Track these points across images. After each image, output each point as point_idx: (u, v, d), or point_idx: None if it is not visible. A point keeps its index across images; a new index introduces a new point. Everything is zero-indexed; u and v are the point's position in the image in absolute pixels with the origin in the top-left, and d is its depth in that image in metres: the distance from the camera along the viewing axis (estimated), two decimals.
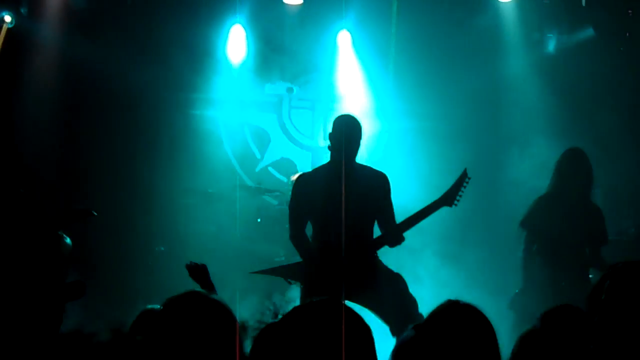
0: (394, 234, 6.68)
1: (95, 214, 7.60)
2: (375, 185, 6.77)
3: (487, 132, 11.14)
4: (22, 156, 9.83)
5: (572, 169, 7.66)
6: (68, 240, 7.02)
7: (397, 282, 6.66)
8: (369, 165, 7.03)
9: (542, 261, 7.66)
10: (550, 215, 7.64)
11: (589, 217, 7.68)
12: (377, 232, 6.86)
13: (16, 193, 6.90)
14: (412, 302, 6.50)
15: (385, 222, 6.77)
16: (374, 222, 6.82)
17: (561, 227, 7.57)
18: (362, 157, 6.99)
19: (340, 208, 6.51)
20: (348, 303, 3.19)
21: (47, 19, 10.35)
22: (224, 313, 3.23)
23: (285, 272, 7.00)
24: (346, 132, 6.71)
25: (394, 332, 6.40)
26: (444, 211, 6.74)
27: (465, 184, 6.67)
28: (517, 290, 7.80)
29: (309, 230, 6.97)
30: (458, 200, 6.67)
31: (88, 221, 7.50)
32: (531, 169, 10.19)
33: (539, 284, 7.50)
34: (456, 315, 3.28)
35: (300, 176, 7.20)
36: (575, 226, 7.57)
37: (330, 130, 6.83)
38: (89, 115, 10.62)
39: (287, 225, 7.07)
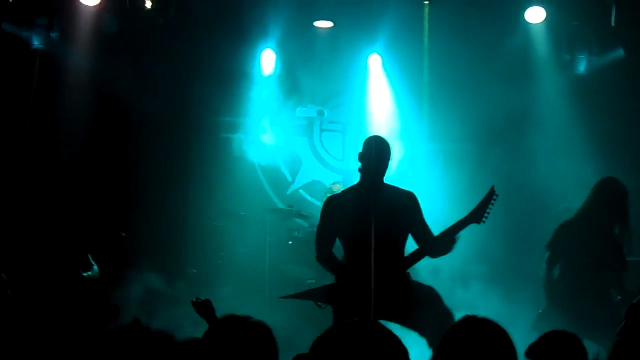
0: (434, 244, 6.69)
1: (124, 235, 7.70)
2: (404, 204, 6.75)
3: (517, 154, 11.09)
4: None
5: (602, 199, 7.69)
6: (95, 268, 7.11)
7: (431, 296, 6.65)
8: (397, 185, 7.03)
9: (564, 285, 7.68)
10: (574, 240, 7.66)
11: (610, 246, 7.69)
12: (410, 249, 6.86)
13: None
14: (447, 315, 6.48)
15: (422, 237, 6.78)
16: (405, 240, 6.81)
17: (584, 253, 7.58)
18: (391, 178, 6.98)
19: (370, 227, 6.53)
20: (384, 323, 3.17)
21: (79, 44, 10.45)
22: (265, 334, 3.26)
23: (316, 296, 6.98)
24: (375, 153, 6.74)
25: (431, 345, 6.40)
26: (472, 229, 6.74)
27: (493, 201, 6.65)
28: (540, 311, 7.78)
29: (339, 252, 6.97)
30: (486, 217, 6.66)
31: (118, 242, 7.61)
32: (562, 191, 10.18)
33: (561, 307, 7.51)
34: (473, 330, 3.28)
35: (329, 198, 7.21)
36: (597, 253, 7.58)
37: (359, 151, 6.87)
38: (122, 138, 10.71)
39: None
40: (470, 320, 3.34)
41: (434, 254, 6.80)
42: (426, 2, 10.90)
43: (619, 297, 7.57)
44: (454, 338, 3.28)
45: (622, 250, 7.72)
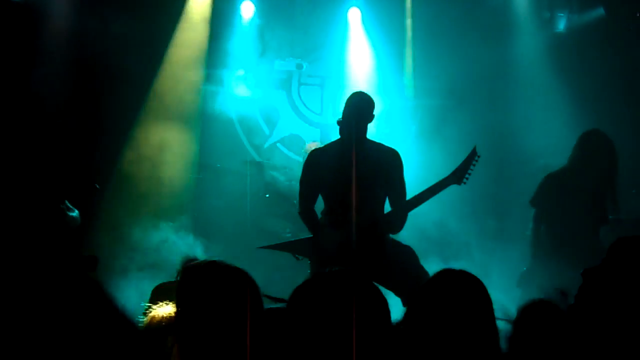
0: (401, 212, 6.69)
1: (98, 187, 7.66)
2: (386, 161, 6.75)
3: (495, 110, 11.13)
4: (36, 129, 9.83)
5: (592, 151, 7.70)
6: (76, 213, 7.08)
7: (407, 255, 6.67)
8: (380, 142, 7.03)
9: (550, 239, 7.71)
10: (559, 194, 7.68)
11: (595, 201, 7.72)
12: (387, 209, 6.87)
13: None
14: (424, 274, 6.50)
15: (396, 199, 6.77)
16: (385, 198, 6.83)
17: (569, 206, 7.61)
18: (371, 134, 6.97)
19: (351, 183, 6.54)
20: None
21: None
22: (245, 279, 3.24)
23: (293, 248, 7.00)
24: (358, 108, 6.72)
25: (405, 304, 6.42)
26: (452, 189, 6.75)
27: (474, 162, 6.65)
28: (524, 268, 7.83)
29: (319, 207, 6.99)
30: (467, 178, 6.66)
31: (92, 194, 7.57)
32: (540, 147, 10.22)
33: (546, 262, 7.53)
34: (449, 280, 3.31)
35: (312, 151, 7.20)
36: (582, 206, 7.61)
37: (341, 106, 6.84)
38: (99, 89, 10.60)
39: (295, 201, 7.10)
40: (446, 272, 3.36)
41: (394, 228, 6.81)
42: None
43: None
44: (431, 288, 3.31)
45: (604, 204, 7.75)
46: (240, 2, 11.17)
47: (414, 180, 7.17)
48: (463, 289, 3.26)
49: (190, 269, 3.23)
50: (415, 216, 6.86)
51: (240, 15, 11.21)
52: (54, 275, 3.03)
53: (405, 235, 6.87)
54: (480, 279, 3.32)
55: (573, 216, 7.61)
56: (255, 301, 3.18)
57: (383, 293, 3.06)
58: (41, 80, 9.99)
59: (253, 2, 11.16)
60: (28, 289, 2.92)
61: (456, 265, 3.46)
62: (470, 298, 3.23)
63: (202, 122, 11.16)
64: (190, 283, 3.18)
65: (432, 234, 9.38)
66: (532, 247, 7.82)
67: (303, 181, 6.97)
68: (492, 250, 9.18)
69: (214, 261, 3.28)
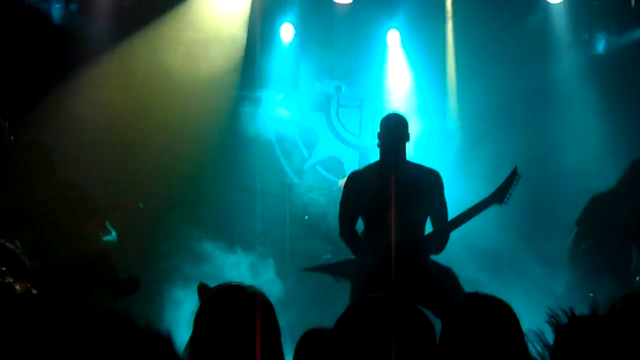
0: (442, 233, 6.69)
1: (142, 205, 7.72)
2: (427, 182, 6.76)
3: (536, 132, 11.09)
4: (73, 152, 9.90)
5: (635, 177, 7.71)
6: (114, 235, 7.13)
7: (447, 276, 6.68)
8: (420, 163, 7.04)
9: (588, 259, 7.69)
10: (603, 215, 7.67)
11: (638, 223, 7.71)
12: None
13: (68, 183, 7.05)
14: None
15: (437, 220, 6.78)
16: (426, 218, 6.83)
17: (610, 228, 7.59)
18: (410, 155, 6.99)
19: (391, 205, 6.56)
20: None
21: (97, 15, 10.42)
22: (264, 303, 3.26)
23: (335, 270, 7.04)
24: (393, 129, 6.75)
25: None
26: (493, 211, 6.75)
27: (515, 182, 6.65)
28: (562, 290, 7.80)
29: (359, 228, 7.01)
30: (508, 198, 6.66)
31: (135, 212, 7.63)
32: (579, 170, 10.17)
33: (584, 285, 7.51)
34: (474, 307, 3.30)
35: (352, 173, 7.23)
36: (624, 229, 7.59)
37: (378, 129, 6.87)
38: (139, 111, 10.68)
39: (335, 223, 7.11)
40: (471, 297, 3.36)
41: (436, 249, 6.81)
42: None
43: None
44: (455, 315, 3.30)
45: None
46: (280, 25, 11.24)
47: (454, 201, 7.17)
48: (488, 315, 3.25)
49: (209, 295, 3.26)
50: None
51: (280, 38, 11.27)
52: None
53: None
54: (514, 300, 3.31)
55: (614, 239, 7.59)
56: (268, 324, 3.20)
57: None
58: (79, 98, 10.11)
59: (292, 25, 11.23)
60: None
61: (492, 284, 3.45)
62: (495, 324, 3.23)
63: (241, 144, 11.20)
64: (207, 309, 3.22)
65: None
66: (570, 268, 7.80)
67: (343, 203, 6.99)
68: (529, 272, 9.15)
69: (230, 285, 3.31)
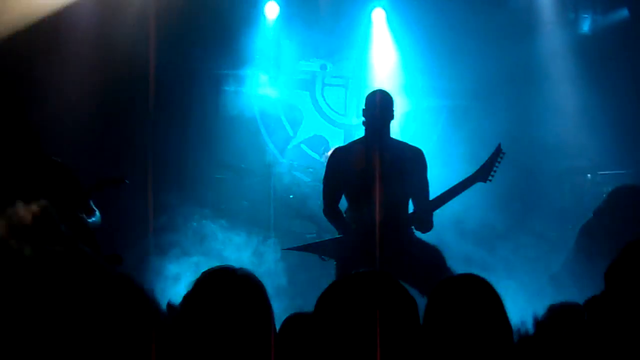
0: (425, 212, 6.67)
1: (127, 181, 7.68)
2: (410, 160, 6.73)
3: (520, 110, 11.09)
4: (54, 132, 9.85)
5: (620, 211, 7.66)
6: (97, 216, 7.09)
7: (434, 255, 6.66)
8: (404, 141, 7.02)
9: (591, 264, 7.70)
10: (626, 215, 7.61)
11: None
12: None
13: (51, 161, 6.99)
14: (449, 274, 6.48)
15: (420, 198, 6.76)
16: (409, 197, 6.82)
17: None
18: (394, 133, 6.97)
19: (375, 182, 6.54)
20: None
21: None
22: (256, 285, 3.24)
23: (319, 249, 7.02)
24: (379, 107, 6.71)
25: None
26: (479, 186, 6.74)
27: (499, 159, 6.65)
28: (557, 269, 7.81)
29: (342, 205, 7.00)
30: (492, 176, 6.65)
31: (120, 188, 7.59)
32: (563, 149, 10.19)
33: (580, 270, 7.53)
34: (457, 287, 3.29)
35: (335, 150, 7.20)
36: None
37: (364, 106, 6.84)
38: (121, 91, 10.64)
39: (319, 201, 7.11)
40: (453, 278, 3.35)
41: (421, 227, 6.78)
42: None
43: None
44: (437, 297, 3.29)
45: None
46: (265, 3, 11.20)
47: (438, 179, 7.16)
48: (470, 296, 3.22)
49: (198, 279, 3.24)
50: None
51: (265, 16, 11.23)
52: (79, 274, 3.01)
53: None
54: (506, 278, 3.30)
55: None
56: (260, 306, 3.18)
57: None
58: (65, 83, 10.06)
59: (277, 3, 11.19)
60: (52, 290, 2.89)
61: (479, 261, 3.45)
62: (477, 305, 3.19)
63: (226, 123, 11.18)
64: (196, 293, 3.20)
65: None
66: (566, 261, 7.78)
67: (327, 180, 6.96)
68: (516, 249, 9.18)
69: (219, 268, 3.27)
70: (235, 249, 9.25)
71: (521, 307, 3.55)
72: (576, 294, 3.87)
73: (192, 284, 3.22)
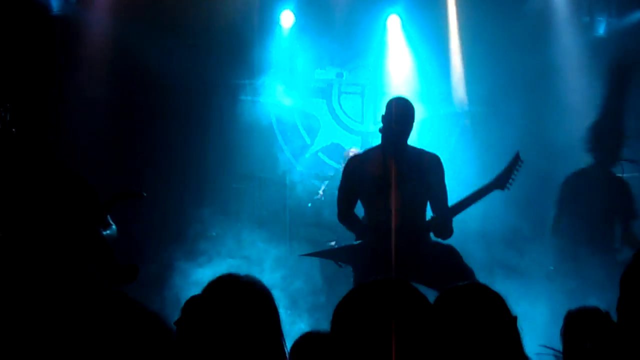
0: (444, 218, 6.67)
1: (145, 195, 7.71)
2: (427, 167, 6.71)
3: (537, 116, 11.07)
4: (74, 144, 9.90)
5: (594, 144, 7.74)
6: (113, 229, 7.12)
7: (450, 255, 6.66)
8: (421, 148, 7.02)
9: (568, 239, 7.73)
10: (575, 191, 7.71)
11: (615, 191, 7.74)
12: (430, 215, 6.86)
13: (71, 174, 7.03)
14: (468, 272, 6.49)
15: (437, 205, 6.75)
16: (427, 203, 6.82)
17: (586, 202, 7.62)
18: (412, 141, 6.97)
19: (392, 189, 6.54)
20: None
21: (96, 6, 10.43)
22: (261, 291, 3.27)
23: (336, 255, 7.02)
24: (398, 114, 6.68)
25: None
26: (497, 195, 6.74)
27: (518, 167, 6.65)
28: (551, 268, 7.86)
29: (359, 212, 6.99)
30: (510, 184, 6.66)
31: (138, 202, 7.62)
32: (580, 153, 10.16)
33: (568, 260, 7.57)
34: (463, 297, 3.29)
35: (351, 157, 7.20)
36: (601, 201, 7.62)
37: (382, 112, 6.82)
38: (140, 101, 10.70)
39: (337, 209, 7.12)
40: (460, 288, 3.35)
41: (441, 234, 6.77)
42: None
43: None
44: (443, 304, 3.30)
45: (631, 196, 7.76)
46: (280, 12, 11.24)
47: (456, 186, 7.16)
48: (476, 306, 3.23)
49: (204, 288, 3.27)
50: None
51: (280, 25, 11.27)
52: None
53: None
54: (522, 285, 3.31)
55: (592, 215, 7.66)
56: (266, 312, 3.21)
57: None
58: (80, 89, 10.12)
59: (293, 12, 11.23)
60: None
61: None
62: (484, 315, 3.19)
63: (243, 132, 11.21)
64: (201, 300, 3.23)
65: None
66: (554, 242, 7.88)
67: (343, 186, 6.95)
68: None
69: (224, 276, 3.31)
70: (256, 257, 9.30)
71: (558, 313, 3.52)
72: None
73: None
